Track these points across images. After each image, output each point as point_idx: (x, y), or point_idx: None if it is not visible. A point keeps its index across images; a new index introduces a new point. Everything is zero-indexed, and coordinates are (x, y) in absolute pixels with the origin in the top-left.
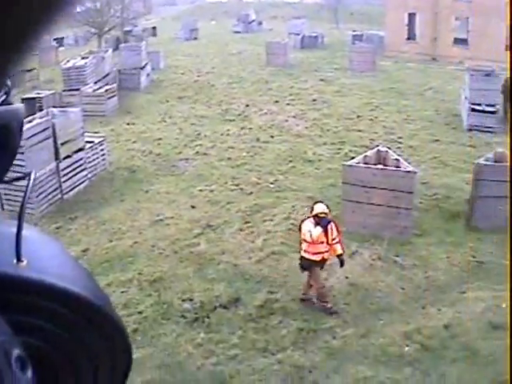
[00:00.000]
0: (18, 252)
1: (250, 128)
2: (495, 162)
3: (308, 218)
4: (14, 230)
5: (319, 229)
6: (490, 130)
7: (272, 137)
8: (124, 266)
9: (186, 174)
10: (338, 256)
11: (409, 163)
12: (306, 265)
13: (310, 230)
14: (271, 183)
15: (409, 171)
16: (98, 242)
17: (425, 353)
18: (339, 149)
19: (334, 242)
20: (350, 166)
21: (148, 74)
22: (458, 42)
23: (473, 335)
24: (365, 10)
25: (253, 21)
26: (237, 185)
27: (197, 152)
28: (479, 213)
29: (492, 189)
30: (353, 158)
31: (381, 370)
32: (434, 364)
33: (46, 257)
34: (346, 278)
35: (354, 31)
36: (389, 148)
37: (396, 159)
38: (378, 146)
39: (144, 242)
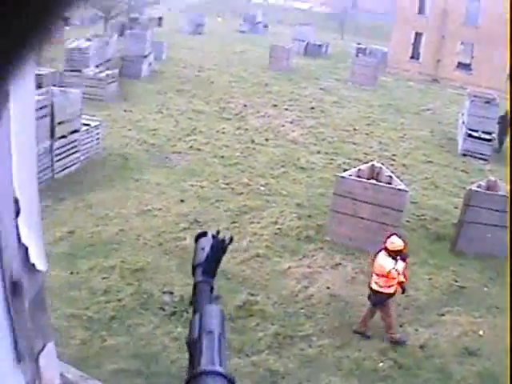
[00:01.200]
0: None
1: (246, 129)
2: (487, 189)
3: (380, 250)
4: None
5: (401, 263)
6: (484, 157)
7: (267, 140)
8: (108, 252)
9: (178, 168)
10: (400, 283)
11: (400, 181)
12: (379, 299)
13: (395, 267)
14: (262, 186)
15: (400, 189)
16: (84, 225)
17: (398, 370)
18: (332, 159)
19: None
20: (343, 177)
21: (150, 64)
22: (461, 66)
23: (448, 358)
24: (372, 24)
25: (259, 22)
26: (227, 184)
27: (191, 147)
28: (465, 238)
29: (481, 215)
30: (345, 169)
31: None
32: (406, 382)
33: None
34: (327, 288)
35: (359, 44)
36: (383, 164)
37: (389, 176)
38: (372, 160)
39: (130, 230)
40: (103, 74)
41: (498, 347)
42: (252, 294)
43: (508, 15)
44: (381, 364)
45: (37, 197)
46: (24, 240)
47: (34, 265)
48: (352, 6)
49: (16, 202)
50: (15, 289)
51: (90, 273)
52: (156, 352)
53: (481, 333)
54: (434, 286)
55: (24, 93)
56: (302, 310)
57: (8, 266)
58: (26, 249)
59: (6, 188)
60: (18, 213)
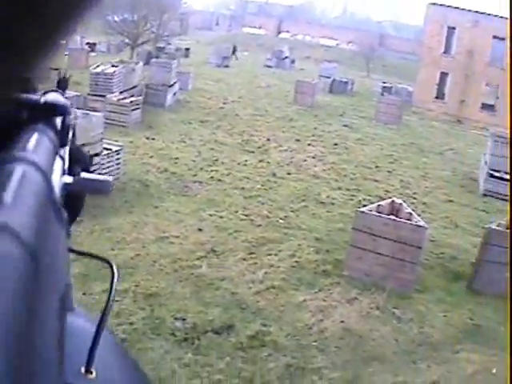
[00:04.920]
0: (89, 362)
1: (268, 162)
2: (507, 228)
3: None
4: (89, 329)
5: None
6: (505, 197)
7: (289, 174)
8: (122, 275)
9: (198, 197)
10: None
11: (420, 219)
12: None
13: None
14: (281, 219)
15: (420, 225)
16: (100, 248)
17: None
18: (353, 195)
19: None
20: (363, 212)
21: (175, 93)
22: (486, 107)
23: None
24: (398, 63)
25: (286, 57)
26: (247, 215)
27: (212, 177)
28: (483, 277)
29: (500, 255)
30: (365, 205)
31: None
32: None
33: (115, 368)
34: (341, 322)
35: (384, 83)
36: (403, 201)
37: (409, 213)
38: (392, 197)
39: (146, 256)
40: (127, 101)
41: None
42: (265, 325)
43: None
44: None
45: None
46: None
47: None
48: (379, 45)
49: None
50: None
51: (102, 295)
52: (164, 377)
53: (493, 371)
54: (449, 324)
55: None
56: (315, 343)
57: None
58: None
59: None
60: None
